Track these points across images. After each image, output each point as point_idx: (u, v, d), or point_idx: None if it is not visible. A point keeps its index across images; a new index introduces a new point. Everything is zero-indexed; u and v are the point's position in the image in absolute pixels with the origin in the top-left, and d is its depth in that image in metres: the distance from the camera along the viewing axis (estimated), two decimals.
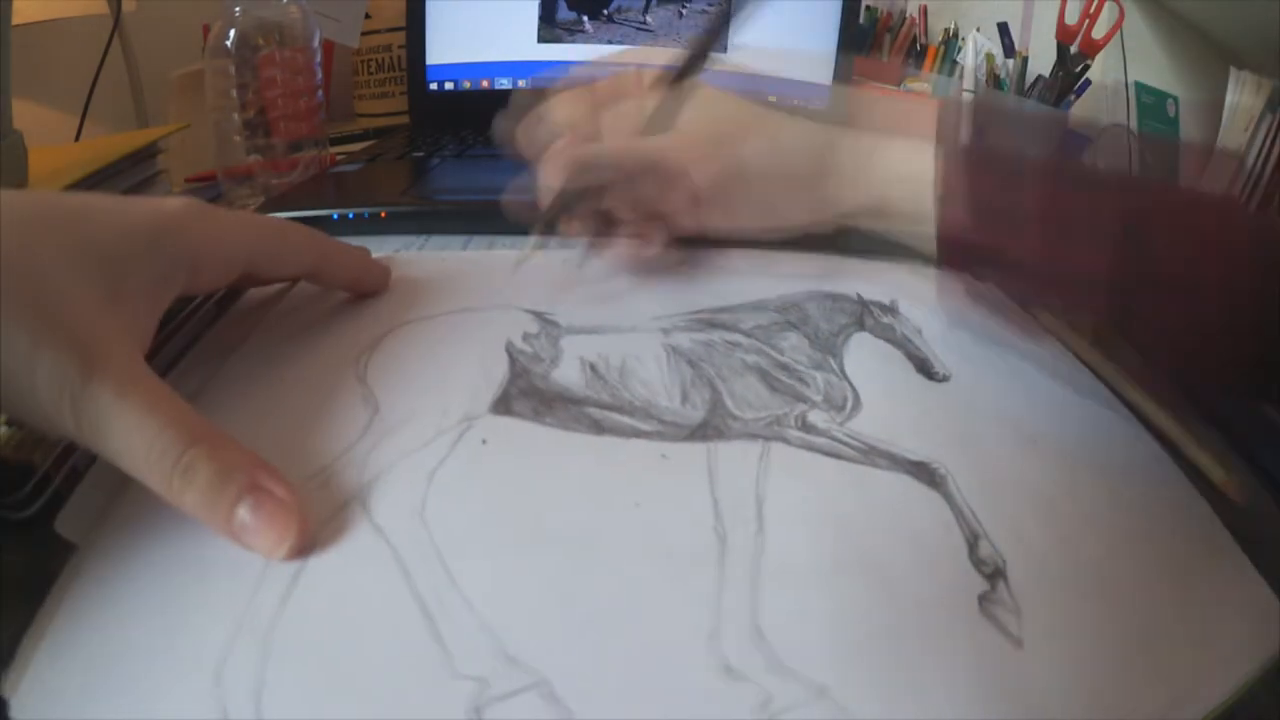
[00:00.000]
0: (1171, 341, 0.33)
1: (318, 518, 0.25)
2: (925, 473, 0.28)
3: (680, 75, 0.39)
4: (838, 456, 0.29)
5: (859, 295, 0.38)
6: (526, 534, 0.25)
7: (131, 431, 0.23)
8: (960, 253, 0.36)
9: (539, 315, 0.36)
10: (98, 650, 0.21)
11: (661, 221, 0.41)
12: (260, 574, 0.23)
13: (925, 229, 0.36)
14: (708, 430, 0.29)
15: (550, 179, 0.39)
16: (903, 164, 0.38)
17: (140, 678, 0.20)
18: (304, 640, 0.21)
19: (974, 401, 0.32)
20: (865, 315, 0.37)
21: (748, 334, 0.35)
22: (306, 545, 0.24)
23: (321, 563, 0.24)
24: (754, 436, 0.29)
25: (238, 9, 0.51)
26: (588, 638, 0.22)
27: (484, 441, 0.28)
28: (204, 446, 0.23)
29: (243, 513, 0.23)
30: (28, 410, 0.23)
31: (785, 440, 0.29)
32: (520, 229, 0.42)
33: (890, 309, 0.37)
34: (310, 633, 0.22)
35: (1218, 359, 0.32)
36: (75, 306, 0.23)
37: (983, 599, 0.24)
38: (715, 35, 0.43)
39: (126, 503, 0.26)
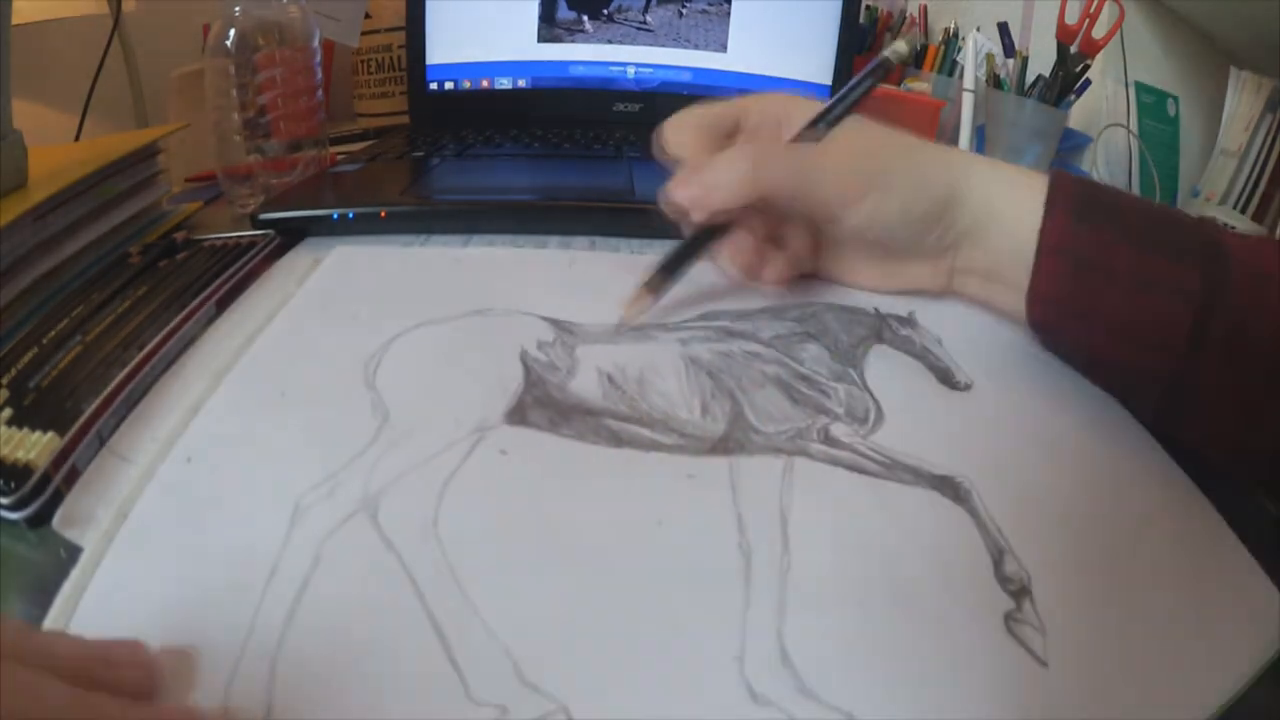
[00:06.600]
0: (1238, 416, 0.31)
1: (324, 529, 0.24)
2: (950, 487, 0.27)
3: (830, 118, 0.37)
4: (861, 471, 0.28)
5: (876, 309, 0.37)
6: (545, 551, 0.24)
7: None
8: (1052, 308, 0.33)
9: (554, 322, 0.35)
10: None
11: (779, 252, 0.38)
12: (262, 591, 0.22)
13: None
14: (729, 444, 0.29)
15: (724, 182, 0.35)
16: (1014, 234, 0.34)
17: None
18: (312, 662, 0.21)
19: (996, 411, 0.32)
20: (884, 328, 0.36)
21: (767, 344, 0.34)
22: None
23: (328, 578, 0.23)
24: (777, 450, 0.29)
25: (238, 9, 0.51)
26: (609, 662, 0.21)
27: (503, 452, 0.28)
28: None
29: None
30: None
31: (808, 454, 0.29)
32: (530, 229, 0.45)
33: (908, 321, 0.37)
34: (318, 654, 0.21)
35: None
36: None
37: (1008, 618, 0.23)
38: (877, 80, 0.38)
39: (129, 514, 0.25)
